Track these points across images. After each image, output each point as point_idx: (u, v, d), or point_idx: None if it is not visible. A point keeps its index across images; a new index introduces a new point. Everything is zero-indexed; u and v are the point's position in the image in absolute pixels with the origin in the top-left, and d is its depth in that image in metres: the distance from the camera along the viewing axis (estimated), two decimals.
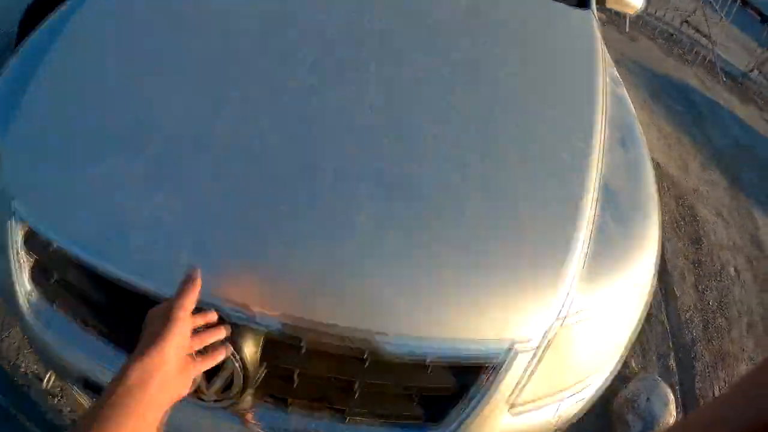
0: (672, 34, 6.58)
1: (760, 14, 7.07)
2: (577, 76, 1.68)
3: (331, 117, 1.30)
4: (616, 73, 1.93)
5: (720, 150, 4.68)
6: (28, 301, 1.14)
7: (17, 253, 1.14)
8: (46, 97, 1.28)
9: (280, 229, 1.08)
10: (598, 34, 1.90)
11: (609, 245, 1.28)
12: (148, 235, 1.05)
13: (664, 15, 6.57)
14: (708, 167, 4.33)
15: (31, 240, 1.13)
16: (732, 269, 3.42)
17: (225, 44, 1.43)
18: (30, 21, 2.48)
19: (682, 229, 3.51)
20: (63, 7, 1.55)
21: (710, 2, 6.83)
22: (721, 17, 6.82)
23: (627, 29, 5.97)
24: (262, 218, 1.09)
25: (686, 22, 6.65)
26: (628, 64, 5.28)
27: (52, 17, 1.53)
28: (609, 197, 1.35)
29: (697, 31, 6.69)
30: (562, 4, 1.98)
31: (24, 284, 1.15)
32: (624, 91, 1.85)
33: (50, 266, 1.14)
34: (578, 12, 1.99)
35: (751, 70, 6.72)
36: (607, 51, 1.90)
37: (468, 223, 1.17)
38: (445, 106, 1.40)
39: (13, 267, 1.14)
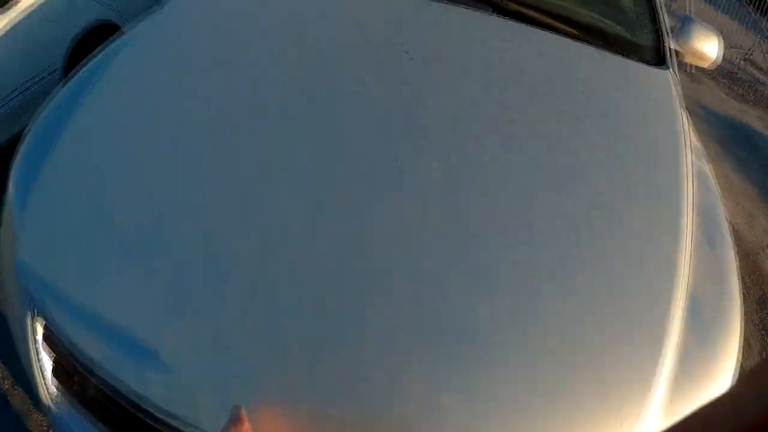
0: (734, 73, 6.44)
1: None
2: (660, 157, 1.52)
3: (380, 234, 1.14)
4: (698, 143, 1.79)
5: None
6: (51, 398, 1.10)
7: (38, 349, 1.10)
8: (68, 176, 1.21)
9: (323, 372, 0.97)
10: (679, 99, 1.74)
11: (691, 364, 1.25)
12: (168, 362, 0.96)
13: (725, 54, 6.41)
14: None
15: (51, 337, 1.08)
16: None
17: (262, 146, 1.28)
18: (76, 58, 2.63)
19: (749, 289, 3.42)
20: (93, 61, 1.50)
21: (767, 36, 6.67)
22: None
23: (693, 70, 5.87)
24: (298, 355, 0.98)
25: (747, 59, 6.50)
26: (697, 110, 5.18)
27: (80, 73, 1.47)
28: (694, 312, 1.26)
29: (758, 68, 6.53)
30: (638, 64, 1.83)
31: (46, 380, 1.10)
32: (707, 168, 1.71)
33: (68, 367, 1.08)
34: (656, 73, 1.84)
35: None
36: (688, 117, 1.76)
37: (550, 346, 1.10)
38: (520, 221, 1.26)
39: (34, 362, 1.10)
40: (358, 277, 1.08)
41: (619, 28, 2.04)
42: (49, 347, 1.11)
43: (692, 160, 1.58)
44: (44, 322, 1.08)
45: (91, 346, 1.00)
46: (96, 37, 2.78)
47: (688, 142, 1.61)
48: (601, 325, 1.17)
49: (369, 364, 1.00)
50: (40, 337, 1.10)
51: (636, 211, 1.38)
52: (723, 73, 6.34)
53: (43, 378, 1.11)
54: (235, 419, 0.79)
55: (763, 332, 3.17)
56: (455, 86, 1.51)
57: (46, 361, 1.11)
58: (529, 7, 1.92)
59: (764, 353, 3.04)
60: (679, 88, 1.83)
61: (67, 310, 1.04)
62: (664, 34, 2.05)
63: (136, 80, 1.42)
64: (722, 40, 2.41)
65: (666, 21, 2.15)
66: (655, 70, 1.85)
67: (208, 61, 1.49)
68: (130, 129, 1.31)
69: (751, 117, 5.72)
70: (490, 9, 1.85)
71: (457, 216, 1.21)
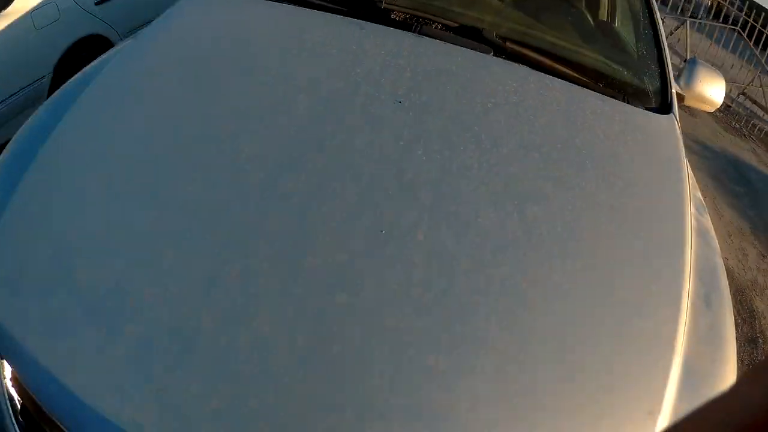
0: (729, 107, 6.51)
1: None
2: (661, 210, 1.47)
3: (368, 300, 1.06)
4: (699, 195, 1.76)
5: None
6: None
7: (7, 392, 1.05)
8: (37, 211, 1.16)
9: None
10: (682, 149, 1.68)
11: None
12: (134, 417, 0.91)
13: None
14: (766, 254, 4.24)
15: (18, 382, 1.03)
16: None
17: (237, 201, 1.19)
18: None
19: (740, 328, 3.43)
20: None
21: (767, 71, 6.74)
22: None
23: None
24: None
25: (743, 93, 6.57)
26: (691, 144, 5.23)
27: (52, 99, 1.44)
28: (687, 381, 1.19)
29: (754, 102, 6.60)
30: (642, 110, 1.77)
31: (15, 422, 1.05)
32: (708, 221, 1.67)
33: (33, 411, 1.03)
34: (660, 120, 1.77)
35: None
36: (689, 166, 1.70)
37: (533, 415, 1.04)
38: (514, 271, 1.19)
39: (3, 407, 1.05)
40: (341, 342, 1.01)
41: (624, 72, 1.99)
42: (16, 390, 1.06)
43: (693, 213, 1.53)
44: (12, 366, 1.03)
45: (54, 403, 0.96)
46: (86, 49, 2.79)
47: (692, 196, 1.57)
48: (591, 397, 1.10)
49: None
50: (8, 378, 1.05)
51: (635, 275, 1.31)
52: (721, 107, 6.40)
53: (13, 420, 1.06)
54: None
55: None
56: (449, 136, 1.43)
57: (16, 402, 1.07)
58: (529, 47, 1.86)
59: None
60: (681, 135, 1.78)
61: (29, 355, 0.99)
62: (670, 78, 2.01)
63: (105, 117, 1.38)
64: (725, 84, 2.38)
65: (670, 64, 2.11)
66: (659, 117, 1.80)
67: (184, 96, 1.44)
68: (97, 166, 1.25)
69: (744, 150, 5.78)
70: (491, 50, 1.79)
71: (446, 293, 1.12)
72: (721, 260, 1.61)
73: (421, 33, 1.77)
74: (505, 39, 1.86)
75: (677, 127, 1.79)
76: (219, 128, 1.34)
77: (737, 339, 3.23)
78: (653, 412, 1.08)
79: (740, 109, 6.52)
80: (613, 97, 1.80)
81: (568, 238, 1.30)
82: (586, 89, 1.78)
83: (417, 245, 1.16)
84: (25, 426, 1.06)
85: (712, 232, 1.65)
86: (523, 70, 1.76)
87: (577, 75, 1.84)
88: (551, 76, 1.77)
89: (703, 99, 2.26)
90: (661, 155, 1.67)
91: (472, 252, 1.19)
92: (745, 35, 6.98)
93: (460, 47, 1.76)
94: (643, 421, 1.07)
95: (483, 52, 1.78)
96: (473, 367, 1.04)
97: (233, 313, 1.01)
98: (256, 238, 1.12)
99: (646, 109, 1.81)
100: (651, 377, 1.14)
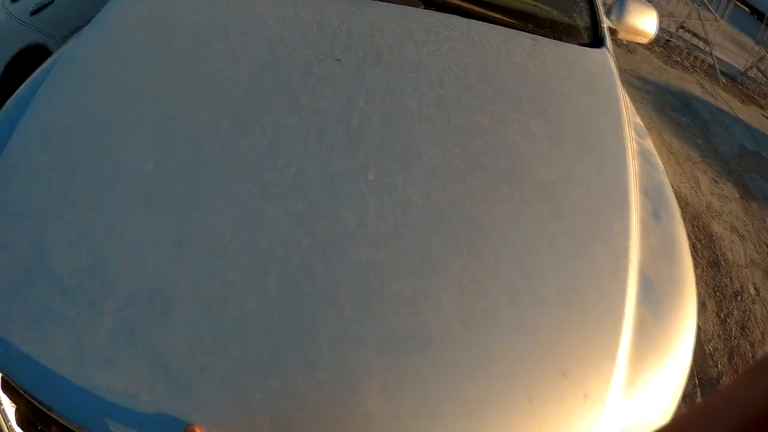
0: (669, 41, 6.61)
1: (750, 7, 7.11)
2: (601, 133, 1.51)
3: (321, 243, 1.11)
4: (639, 121, 1.80)
5: (728, 160, 4.71)
6: None
7: None
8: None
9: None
10: (617, 79, 1.74)
11: (649, 344, 1.26)
12: (126, 403, 0.95)
13: (660, 22, 6.58)
14: (719, 181, 4.35)
15: (9, 385, 1.05)
16: (752, 288, 3.44)
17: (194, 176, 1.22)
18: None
19: (700, 252, 3.53)
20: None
21: (705, 3, 6.86)
22: (716, 17, 6.85)
23: (625, 42, 6.00)
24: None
25: (682, 27, 6.68)
26: (631, 79, 5.30)
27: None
28: (647, 289, 1.27)
29: (694, 34, 6.72)
30: (575, 46, 1.82)
31: (12, 429, 1.08)
32: (650, 144, 1.73)
33: (30, 416, 1.05)
34: (593, 53, 1.82)
35: (750, 68, 6.75)
36: (626, 94, 1.74)
37: (498, 339, 1.08)
38: (460, 193, 1.25)
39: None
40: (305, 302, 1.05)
41: (554, 11, 2.02)
42: (9, 396, 1.07)
43: (633, 137, 1.58)
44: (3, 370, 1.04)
45: (47, 394, 0.98)
46: (28, 59, 2.72)
47: (630, 121, 1.61)
48: (556, 307, 1.17)
49: (329, 388, 0.98)
50: None
51: (582, 193, 1.36)
52: (661, 42, 6.50)
53: (8, 428, 1.08)
54: None
55: (717, 293, 3.29)
56: (388, 84, 1.47)
57: (8, 410, 1.08)
58: None
59: (721, 314, 3.15)
60: (615, 66, 1.83)
61: (19, 358, 1.00)
62: (600, 13, 2.04)
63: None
64: (657, 15, 2.43)
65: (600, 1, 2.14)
66: (592, 51, 1.84)
67: (133, 82, 1.45)
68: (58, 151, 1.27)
69: (688, 82, 5.89)
70: (422, 4, 1.83)
71: (403, 224, 1.18)
72: (667, 179, 1.66)
73: None
74: None
75: (611, 58, 1.83)
76: (173, 96, 1.39)
77: (699, 264, 3.34)
78: (616, 321, 1.15)
79: (680, 43, 6.62)
80: (545, 36, 1.82)
81: (512, 166, 1.35)
82: (517, 31, 1.81)
83: (369, 185, 1.22)
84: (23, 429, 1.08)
85: (655, 153, 1.70)
86: (454, 18, 1.78)
87: (507, 18, 1.87)
88: (481, 22, 1.79)
89: (635, 31, 2.31)
90: (597, 85, 1.71)
91: (421, 186, 1.24)
92: None
93: (392, 5, 1.78)
94: (608, 331, 1.14)
95: (414, 6, 1.81)
96: (437, 291, 1.09)
97: (205, 269, 1.06)
98: (217, 198, 1.17)
99: (579, 44, 1.85)
100: (609, 289, 1.20)
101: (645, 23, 2.30)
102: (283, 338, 1.00)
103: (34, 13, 2.93)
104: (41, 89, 1.42)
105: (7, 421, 1.08)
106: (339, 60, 1.51)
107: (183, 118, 1.33)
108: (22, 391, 1.01)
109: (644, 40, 2.46)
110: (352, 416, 0.97)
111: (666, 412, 1.29)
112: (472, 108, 1.46)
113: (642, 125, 1.86)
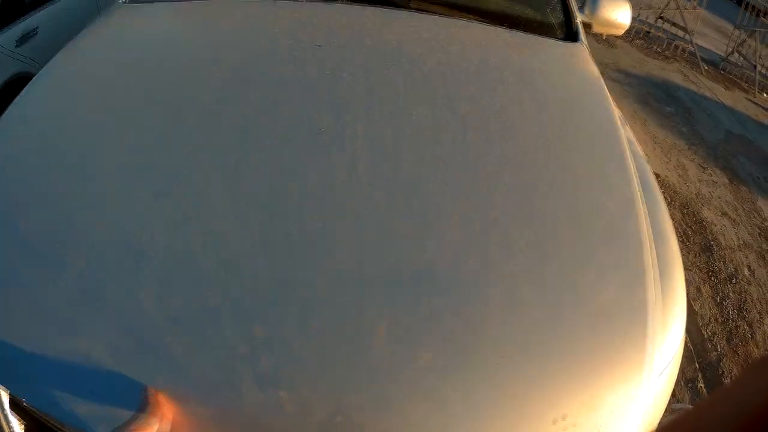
0: (648, 33, 6.67)
1: None
2: (596, 133, 1.53)
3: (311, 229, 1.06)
4: (618, 110, 1.85)
5: (714, 146, 4.74)
6: None
7: (6, 416, 1.05)
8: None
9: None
10: (595, 69, 1.78)
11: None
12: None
13: (638, 15, 6.64)
14: (706, 167, 4.37)
15: (17, 403, 1.04)
16: (746, 270, 3.46)
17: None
18: None
19: (691, 239, 3.55)
20: None
21: None
22: (695, 5, 6.92)
23: (604, 37, 6.05)
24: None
25: (661, 17, 6.74)
26: (612, 73, 5.34)
27: None
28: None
29: (674, 24, 6.78)
30: (550, 40, 1.87)
31: None
32: (629, 130, 1.76)
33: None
34: (569, 47, 1.87)
35: (731, 53, 6.81)
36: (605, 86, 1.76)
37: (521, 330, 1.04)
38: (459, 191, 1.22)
39: (6, 430, 1.06)
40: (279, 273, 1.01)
41: (527, 9, 2.07)
42: (17, 413, 1.06)
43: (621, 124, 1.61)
44: (7, 390, 1.03)
45: (55, 408, 0.98)
46: (16, 90, 2.76)
47: (612, 108, 1.64)
48: (578, 288, 1.15)
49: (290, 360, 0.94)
50: (6, 404, 1.05)
51: (588, 180, 1.38)
52: (640, 34, 6.55)
53: None
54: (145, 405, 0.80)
55: (712, 277, 3.30)
56: (369, 64, 1.52)
57: (16, 428, 1.07)
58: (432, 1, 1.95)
59: (716, 297, 3.17)
60: (591, 59, 1.87)
61: (24, 375, 1.01)
62: (573, 9, 2.09)
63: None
64: (630, 5, 2.46)
65: None
66: (567, 45, 1.89)
67: (116, 97, 1.48)
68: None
69: (670, 71, 5.94)
70: (397, 7, 1.88)
71: (396, 170, 1.21)
72: (648, 165, 1.70)
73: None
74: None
75: (586, 51, 1.89)
76: (163, 76, 1.48)
77: (692, 251, 3.35)
78: (633, 286, 1.17)
79: (660, 33, 6.68)
80: (521, 31, 1.89)
81: (505, 127, 1.42)
82: (496, 28, 1.88)
83: (359, 138, 1.27)
84: None
85: (635, 141, 1.75)
86: (429, 18, 1.86)
87: (486, 18, 1.92)
88: (453, 19, 1.88)
89: (610, 23, 2.34)
90: (578, 77, 1.76)
91: (411, 140, 1.28)
92: None
93: (369, 7, 1.85)
94: (629, 298, 1.15)
95: (391, 8, 1.87)
96: (439, 231, 1.09)
97: (188, 218, 1.06)
98: (210, 153, 1.20)
99: (554, 39, 1.91)
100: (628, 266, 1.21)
101: (619, 15, 2.33)
102: (274, 281, 0.98)
103: (19, 43, 2.96)
104: (15, 101, 1.48)
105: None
106: (320, 46, 1.58)
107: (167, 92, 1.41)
108: (30, 410, 1.01)
109: (620, 32, 2.49)
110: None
111: (663, 392, 1.30)
112: (457, 104, 1.48)
113: (620, 112, 1.89)
